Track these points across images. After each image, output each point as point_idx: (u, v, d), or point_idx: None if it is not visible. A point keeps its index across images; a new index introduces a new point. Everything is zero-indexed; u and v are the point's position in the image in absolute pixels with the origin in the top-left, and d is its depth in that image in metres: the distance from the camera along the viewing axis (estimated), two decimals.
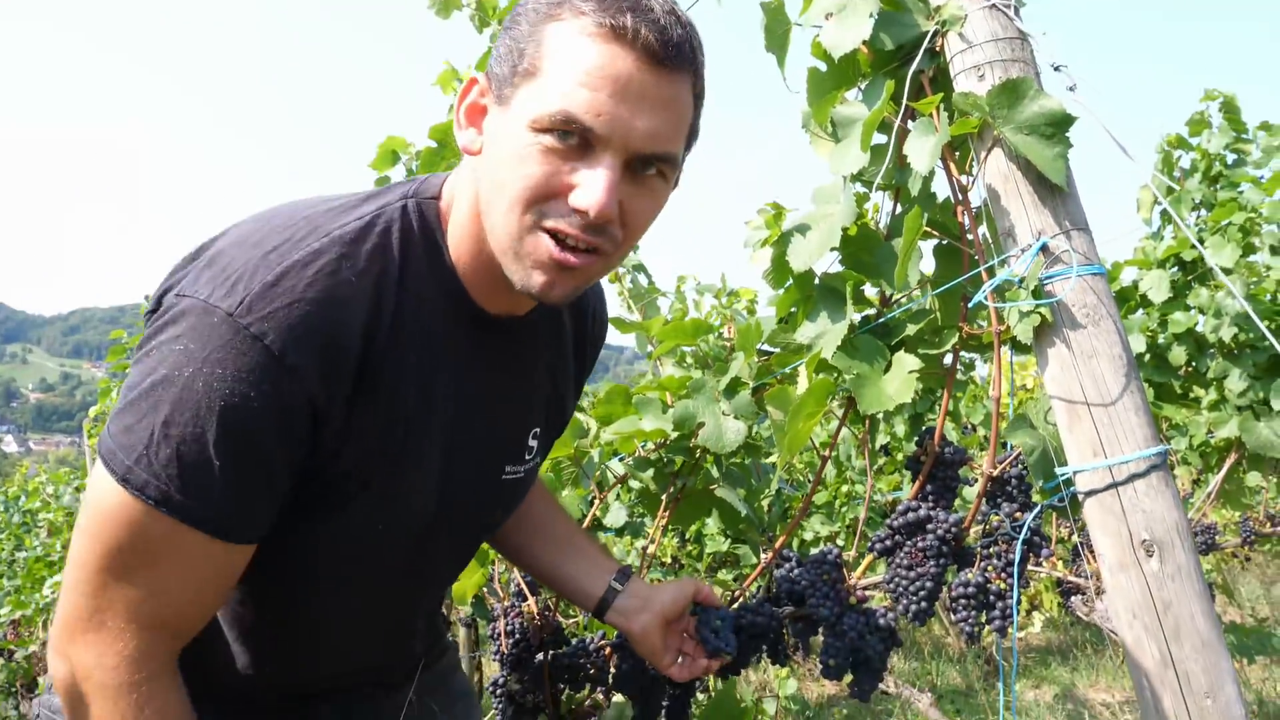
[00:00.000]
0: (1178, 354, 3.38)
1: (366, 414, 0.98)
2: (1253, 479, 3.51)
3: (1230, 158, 3.63)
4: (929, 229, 1.34)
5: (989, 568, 1.32)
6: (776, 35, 1.41)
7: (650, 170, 0.96)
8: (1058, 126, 1.17)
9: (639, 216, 0.99)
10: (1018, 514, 1.31)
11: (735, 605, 1.56)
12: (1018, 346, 1.31)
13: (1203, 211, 3.64)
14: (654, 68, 0.91)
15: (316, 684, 1.23)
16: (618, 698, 1.70)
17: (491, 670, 3.17)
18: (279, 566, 1.05)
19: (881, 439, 4.48)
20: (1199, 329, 3.34)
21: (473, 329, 1.08)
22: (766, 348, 1.54)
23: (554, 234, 0.94)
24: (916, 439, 1.41)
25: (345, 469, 0.99)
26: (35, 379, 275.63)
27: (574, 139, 0.91)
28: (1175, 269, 3.45)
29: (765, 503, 3.77)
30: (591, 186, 0.91)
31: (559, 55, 0.91)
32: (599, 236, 0.95)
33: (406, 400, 1.02)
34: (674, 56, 0.92)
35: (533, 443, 1.25)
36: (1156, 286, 3.38)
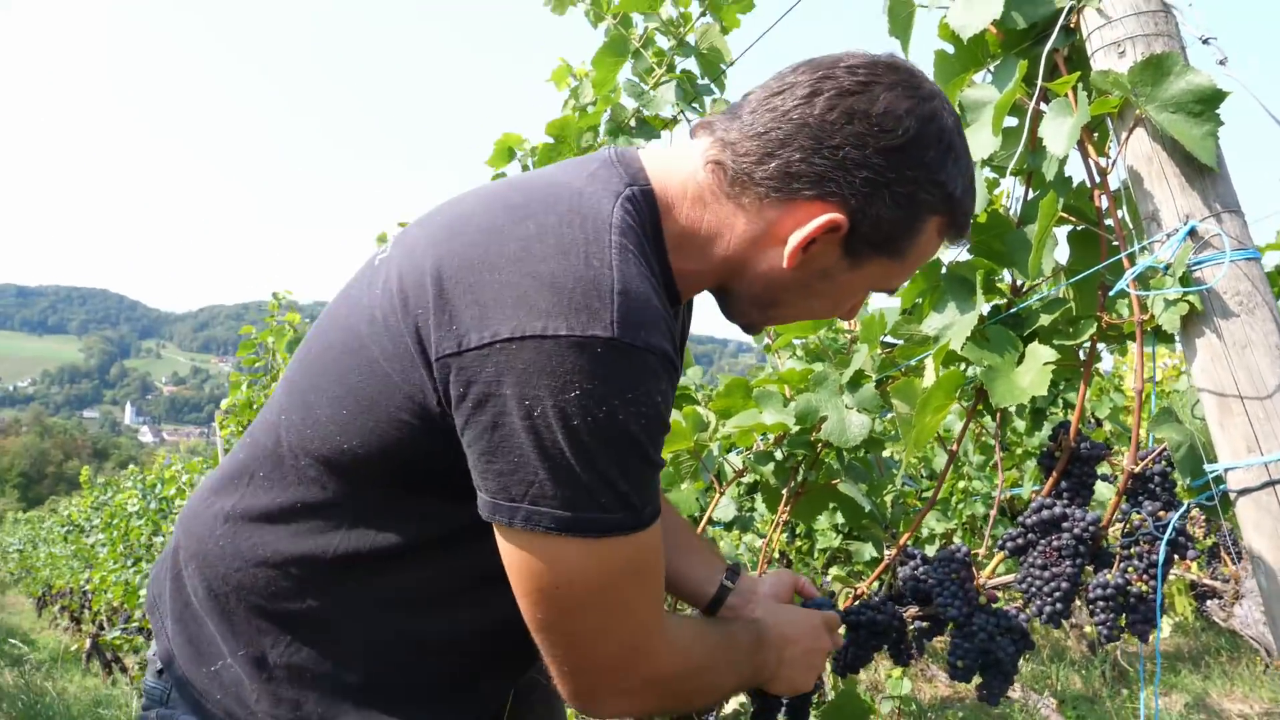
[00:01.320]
0: None
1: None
2: None
3: None
4: (1064, 214, 1.29)
5: (1129, 569, 1.26)
6: (900, 19, 1.37)
7: None
8: (1207, 103, 1.10)
9: None
10: (1161, 513, 1.25)
11: (857, 601, 1.53)
12: (1160, 336, 1.25)
13: None
14: None
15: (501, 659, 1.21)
16: (738, 696, 1.69)
17: None
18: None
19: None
20: None
21: (671, 318, 1.13)
22: (890, 339, 1.51)
23: None
24: (1050, 434, 1.36)
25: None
26: (168, 373, 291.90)
27: None
28: None
29: (888, 498, 3.70)
30: (855, 311, 1.15)
31: (922, 248, 1.06)
32: None
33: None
34: None
35: None
36: None
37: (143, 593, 6.44)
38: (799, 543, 5.19)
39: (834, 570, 4.55)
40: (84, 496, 13.11)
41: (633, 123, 2.15)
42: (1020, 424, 4.22)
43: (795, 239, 1.01)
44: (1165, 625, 5.91)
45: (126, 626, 6.94)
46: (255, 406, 4.81)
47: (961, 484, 4.30)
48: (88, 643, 9.44)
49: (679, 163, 1.07)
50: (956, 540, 4.65)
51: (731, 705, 1.52)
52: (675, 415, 1.68)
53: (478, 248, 0.94)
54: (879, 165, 0.97)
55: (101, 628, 8.81)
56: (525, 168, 2.37)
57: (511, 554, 0.94)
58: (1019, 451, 4.40)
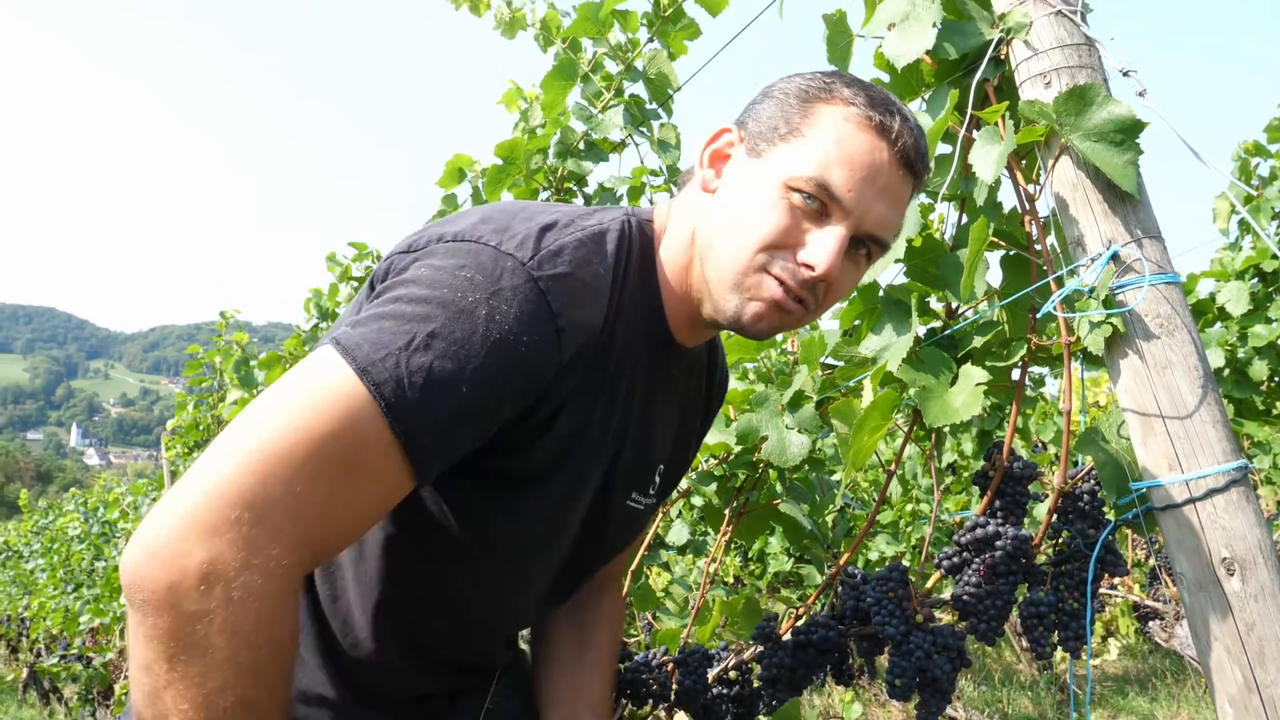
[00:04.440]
0: (1259, 369, 3.26)
1: (575, 411, 1.02)
2: None
3: None
4: (995, 239, 1.32)
5: (1061, 586, 1.28)
6: (838, 48, 1.41)
7: (863, 250, 1.07)
8: (1127, 133, 1.14)
9: (841, 284, 1.09)
10: (1090, 531, 1.28)
11: (800, 621, 1.54)
12: (1089, 358, 1.28)
13: None
14: (902, 168, 1.04)
15: (423, 677, 1.19)
16: (680, 715, 1.69)
17: None
18: (435, 545, 1.06)
19: (949, 457, 4.39)
20: None
21: (657, 349, 1.14)
22: (831, 361, 1.53)
23: (775, 278, 1.04)
24: (985, 454, 1.38)
25: (533, 464, 1.03)
26: (117, 394, 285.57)
27: (816, 204, 1.02)
28: (1255, 280, 3.33)
29: (830, 518, 3.73)
30: (823, 246, 1.02)
31: (826, 130, 1.03)
32: (809, 292, 1.05)
33: (608, 406, 1.07)
34: (919, 164, 1.06)
35: (658, 477, 1.28)
36: (1235, 299, 3.27)
37: (83, 619, 6.28)
38: (752, 566, 5.21)
39: (785, 592, 4.57)
40: (23, 520, 12.75)
41: (581, 145, 2.17)
42: (969, 447, 4.28)
43: (704, 155, 1.12)
44: (1112, 647, 6.01)
45: (65, 654, 6.74)
46: (202, 427, 4.73)
47: (911, 507, 4.34)
48: (24, 672, 9.14)
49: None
50: (906, 563, 4.69)
51: None
52: None
53: (465, 211, 1.06)
54: (770, 94, 1.09)
55: (39, 655, 8.54)
56: (475, 189, 2.37)
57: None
58: (966, 475, 4.47)
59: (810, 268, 1.02)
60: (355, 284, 3.32)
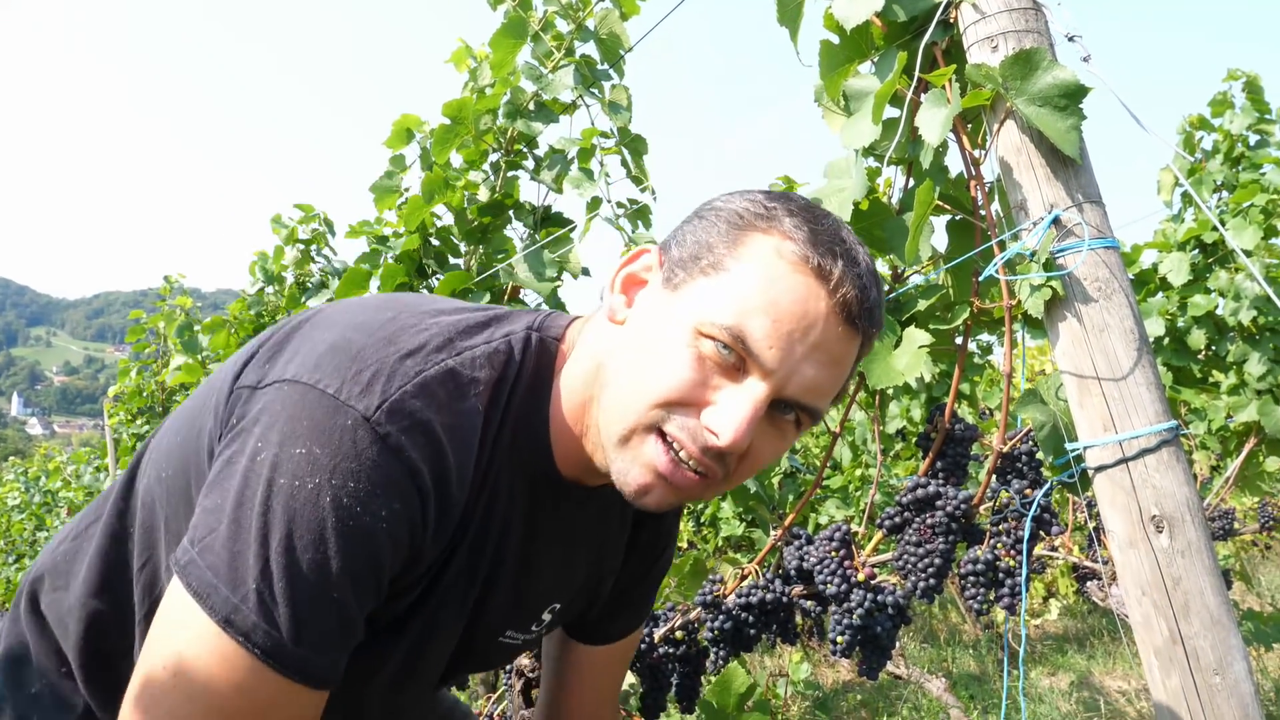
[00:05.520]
0: (1197, 337, 3.34)
1: (440, 559, 0.90)
2: (1272, 464, 3.48)
3: (1253, 139, 3.58)
4: (941, 204, 1.33)
5: (998, 545, 1.31)
6: (789, 8, 1.40)
7: (790, 415, 0.89)
8: (1071, 98, 1.15)
9: (760, 456, 0.91)
10: (1028, 491, 1.31)
11: (745, 582, 1.56)
12: (1029, 322, 1.30)
13: (1224, 194, 3.60)
14: (843, 323, 0.86)
15: None
16: (627, 675, 1.71)
17: None
18: None
19: (898, 423, 4.46)
20: (1219, 312, 3.31)
21: (544, 488, 0.99)
22: None
23: (671, 441, 0.86)
24: (928, 417, 1.40)
25: (391, 611, 0.90)
26: (59, 362, 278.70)
27: (734, 357, 0.84)
28: (1195, 252, 3.41)
29: (776, 480, 3.77)
30: (732, 413, 0.84)
31: (754, 267, 0.85)
32: (715, 461, 0.87)
33: (480, 552, 0.94)
34: (864, 320, 0.87)
35: (546, 616, 1.14)
36: (1176, 269, 3.35)
37: None
38: (705, 531, 5.26)
39: (732, 554, 4.63)
40: None
41: (531, 106, 2.14)
42: (918, 413, 4.35)
43: (617, 277, 0.95)
44: (1053, 607, 6.18)
45: None
46: (145, 394, 4.64)
47: (860, 472, 4.41)
48: None
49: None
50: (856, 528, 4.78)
51: (624, 683, 1.52)
52: None
53: (340, 307, 0.91)
54: (700, 215, 0.93)
55: None
56: (424, 150, 2.33)
57: (165, 598, 0.79)
58: (915, 442, 4.54)
59: (714, 434, 0.84)
60: (301, 246, 3.26)
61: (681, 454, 0.86)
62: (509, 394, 0.91)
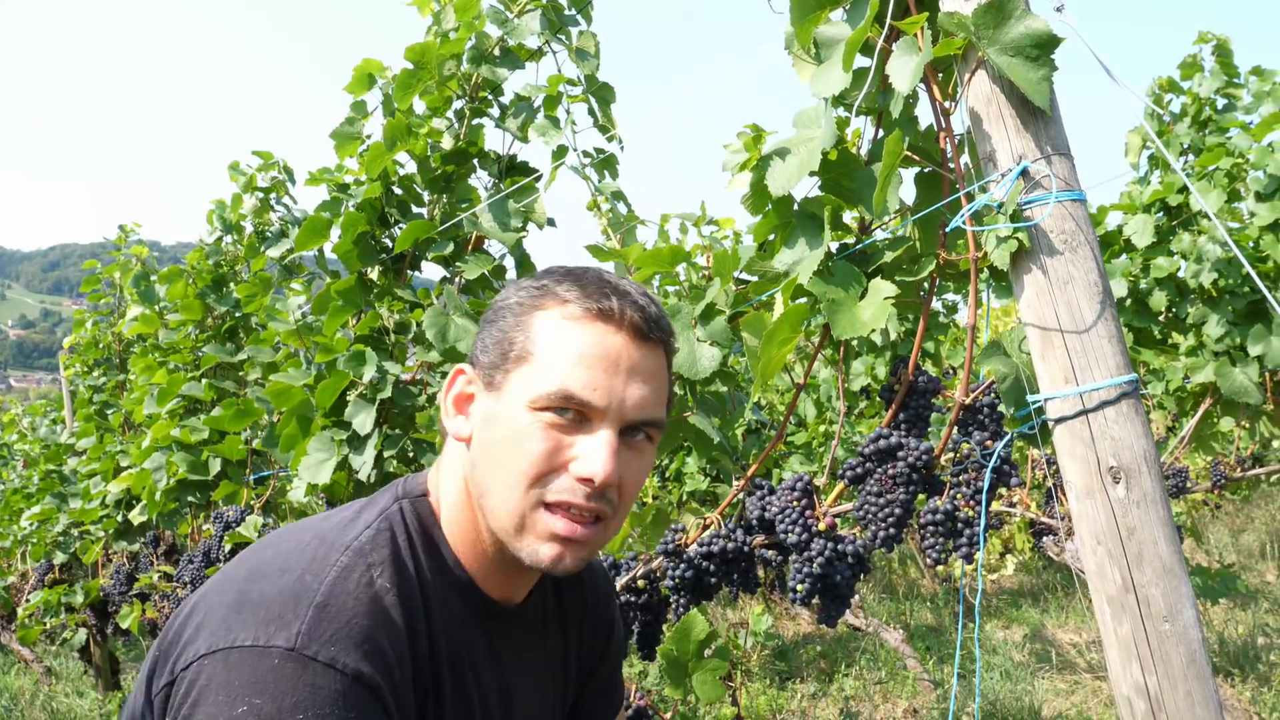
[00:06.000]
0: (1158, 299, 3.38)
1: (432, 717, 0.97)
2: (1226, 424, 3.55)
3: (1220, 102, 3.60)
4: (911, 155, 1.32)
5: (958, 495, 1.33)
6: None
7: (639, 436, 1.00)
8: (1043, 48, 1.14)
9: (633, 479, 1.01)
10: (988, 442, 1.31)
11: (707, 532, 1.56)
12: (995, 276, 1.30)
13: (1190, 156, 3.62)
14: (640, 343, 0.98)
15: None
16: None
17: None
18: None
19: (864, 380, 4.49)
20: (1180, 274, 3.35)
21: (486, 620, 1.07)
22: (744, 275, 1.53)
23: (559, 506, 0.96)
24: (891, 369, 1.40)
25: None
26: (15, 315, 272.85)
27: (571, 414, 0.95)
28: (1160, 214, 3.44)
29: (740, 432, 3.79)
30: (595, 455, 0.95)
31: (550, 340, 0.97)
32: (601, 503, 0.97)
33: (467, 704, 1.01)
34: (655, 330, 1.00)
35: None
36: (1141, 231, 3.38)
37: None
38: (669, 485, 5.29)
39: (694, 505, 4.66)
40: None
41: (497, 51, 2.09)
42: (882, 371, 4.38)
43: (447, 402, 1.05)
44: (1010, 563, 6.30)
45: None
46: (101, 345, 4.54)
47: (824, 428, 4.44)
48: None
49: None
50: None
51: None
52: None
53: (220, 576, 0.95)
54: (490, 321, 1.04)
55: None
56: (386, 96, 2.27)
57: None
58: (879, 399, 4.57)
59: (589, 480, 0.94)
60: (260, 194, 3.18)
61: (572, 510, 0.96)
62: (412, 559, 0.99)
